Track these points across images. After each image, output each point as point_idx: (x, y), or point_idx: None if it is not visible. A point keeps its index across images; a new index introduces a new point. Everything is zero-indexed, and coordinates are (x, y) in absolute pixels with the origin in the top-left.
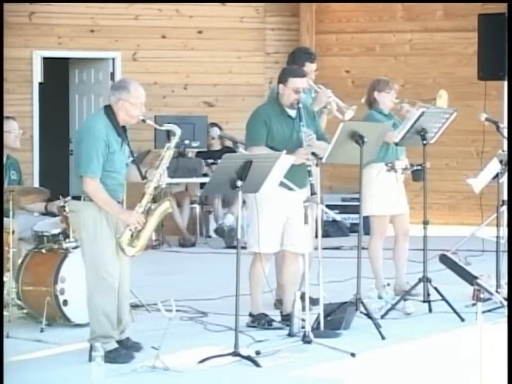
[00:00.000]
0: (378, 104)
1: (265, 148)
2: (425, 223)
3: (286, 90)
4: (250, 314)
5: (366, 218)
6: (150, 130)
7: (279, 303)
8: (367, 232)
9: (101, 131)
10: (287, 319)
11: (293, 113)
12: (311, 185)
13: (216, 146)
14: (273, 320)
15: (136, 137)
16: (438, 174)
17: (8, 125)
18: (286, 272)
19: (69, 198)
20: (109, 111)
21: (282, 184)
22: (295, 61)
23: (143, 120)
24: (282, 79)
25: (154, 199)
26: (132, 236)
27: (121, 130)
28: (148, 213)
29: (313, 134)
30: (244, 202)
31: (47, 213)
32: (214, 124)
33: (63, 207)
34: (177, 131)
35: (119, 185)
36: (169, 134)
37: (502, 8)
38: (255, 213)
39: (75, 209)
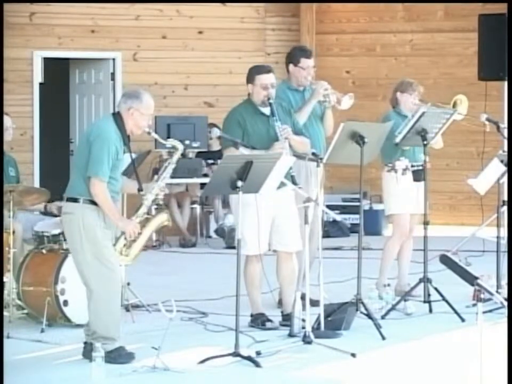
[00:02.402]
0: (400, 105)
1: (242, 149)
2: (426, 223)
3: (255, 88)
4: (252, 315)
5: (367, 218)
6: None
7: (280, 303)
8: (367, 233)
9: (113, 136)
10: (287, 319)
11: (266, 110)
12: (292, 177)
13: (216, 146)
14: (269, 321)
15: (136, 137)
16: (438, 174)
17: None
18: (281, 272)
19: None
20: (117, 118)
21: None
22: (291, 59)
23: (148, 133)
24: (250, 78)
25: (156, 204)
26: (124, 245)
27: (127, 139)
28: (143, 224)
29: (289, 128)
30: (228, 203)
31: (46, 213)
32: (212, 125)
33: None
34: (180, 146)
35: (117, 193)
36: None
37: (502, 8)
38: (238, 216)
39: (72, 212)
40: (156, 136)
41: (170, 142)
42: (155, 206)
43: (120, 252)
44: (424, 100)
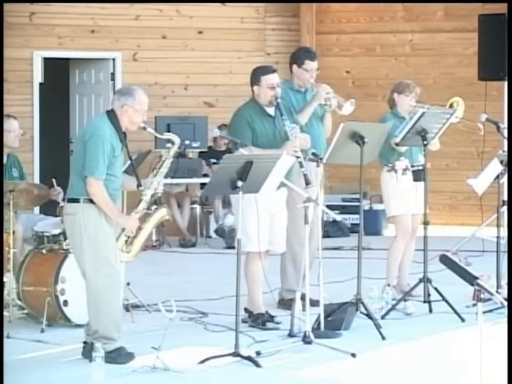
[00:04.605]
0: (397, 106)
1: (253, 147)
2: (426, 223)
3: (262, 89)
4: (246, 310)
5: (367, 218)
6: None
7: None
8: (367, 233)
9: (107, 134)
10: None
11: (271, 111)
12: (304, 175)
13: (222, 146)
14: (268, 321)
15: (136, 137)
16: (438, 174)
17: (9, 124)
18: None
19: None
20: (111, 116)
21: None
22: (296, 60)
23: (144, 128)
24: (255, 80)
25: (155, 202)
26: (126, 241)
27: (123, 136)
28: (143, 219)
29: (297, 126)
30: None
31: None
32: (224, 126)
33: (63, 207)
34: (176, 140)
35: (117, 190)
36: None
37: (502, 8)
38: (239, 215)
39: (73, 212)
40: (152, 131)
41: (167, 136)
42: (154, 206)
43: (121, 249)
44: (422, 101)
